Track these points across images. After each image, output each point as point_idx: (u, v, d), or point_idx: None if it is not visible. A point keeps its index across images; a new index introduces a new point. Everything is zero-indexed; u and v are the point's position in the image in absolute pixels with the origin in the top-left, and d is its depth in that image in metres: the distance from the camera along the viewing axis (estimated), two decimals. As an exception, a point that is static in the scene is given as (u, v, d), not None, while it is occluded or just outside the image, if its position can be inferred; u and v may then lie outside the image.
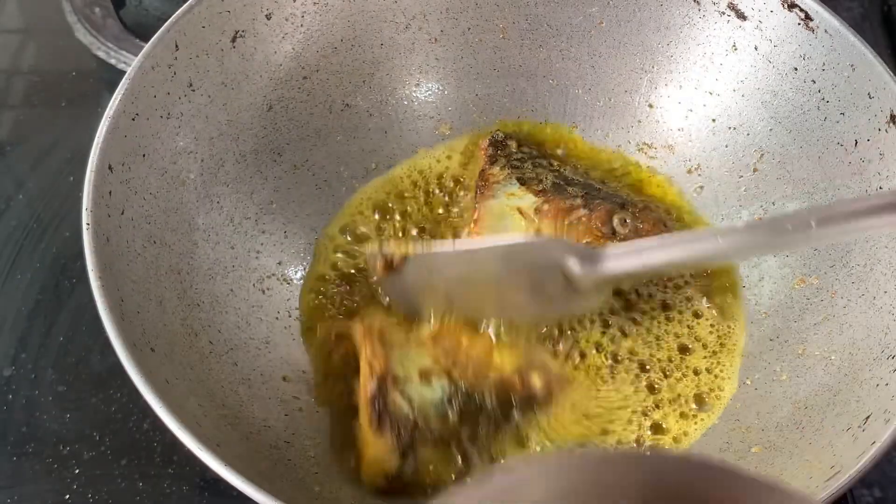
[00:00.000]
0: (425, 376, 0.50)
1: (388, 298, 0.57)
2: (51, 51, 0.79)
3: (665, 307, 0.58)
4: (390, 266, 0.53)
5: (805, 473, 0.45)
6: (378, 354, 0.50)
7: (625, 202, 0.59)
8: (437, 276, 0.53)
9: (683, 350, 0.56)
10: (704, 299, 0.58)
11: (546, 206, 0.57)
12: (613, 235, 0.56)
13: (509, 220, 0.58)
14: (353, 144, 0.63)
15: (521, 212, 0.57)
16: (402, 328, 0.53)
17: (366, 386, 0.49)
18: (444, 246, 0.55)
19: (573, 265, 0.50)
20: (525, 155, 0.62)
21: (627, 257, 0.50)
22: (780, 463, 0.48)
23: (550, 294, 0.52)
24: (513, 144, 0.62)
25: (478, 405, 0.50)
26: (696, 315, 0.57)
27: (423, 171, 0.64)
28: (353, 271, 0.59)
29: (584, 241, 0.56)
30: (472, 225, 0.59)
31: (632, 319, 0.57)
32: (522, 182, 0.59)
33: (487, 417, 0.50)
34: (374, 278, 0.56)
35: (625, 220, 0.57)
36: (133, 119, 0.51)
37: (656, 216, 0.59)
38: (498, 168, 0.60)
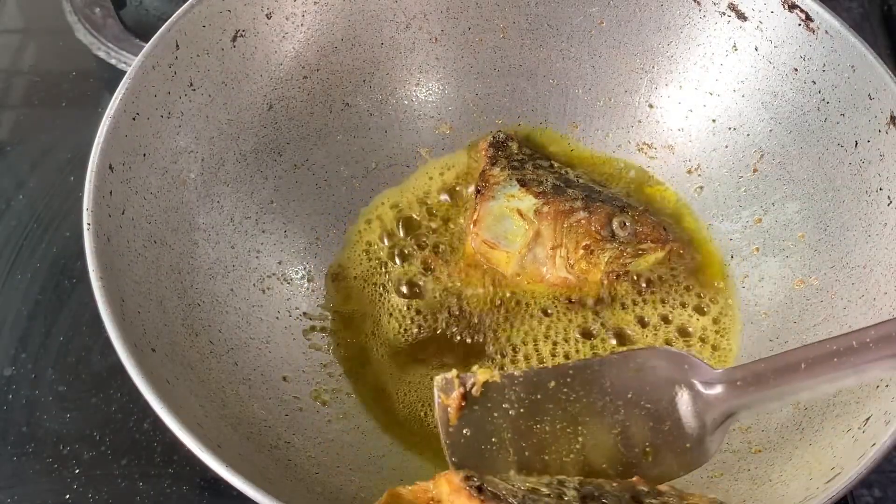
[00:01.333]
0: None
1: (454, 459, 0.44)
2: (51, 51, 0.79)
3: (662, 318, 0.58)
4: (466, 397, 0.43)
5: (805, 474, 0.45)
6: None
7: (625, 205, 0.59)
8: (525, 411, 0.43)
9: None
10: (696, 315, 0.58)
11: (546, 209, 0.57)
12: (613, 238, 0.56)
13: (509, 222, 0.58)
14: (353, 144, 0.63)
15: (520, 213, 0.57)
16: None
17: None
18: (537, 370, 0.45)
19: (698, 385, 0.41)
20: (525, 156, 0.62)
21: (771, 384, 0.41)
22: (781, 463, 0.48)
23: (655, 438, 0.43)
24: (514, 146, 0.62)
25: None
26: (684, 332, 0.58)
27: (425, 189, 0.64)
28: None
29: (584, 243, 0.56)
30: (471, 226, 0.59)
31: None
32: (523, 184, 0.59)
33: None
34: (444, 423, 0.44)
35: (624, 224, 0.57)
36: (133, 119, 0.51)
37: (656, 220, 0.59)
38: (498, 169, 0.60)
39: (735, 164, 0.61)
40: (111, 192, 0.49)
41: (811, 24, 0.55)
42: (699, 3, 0.59)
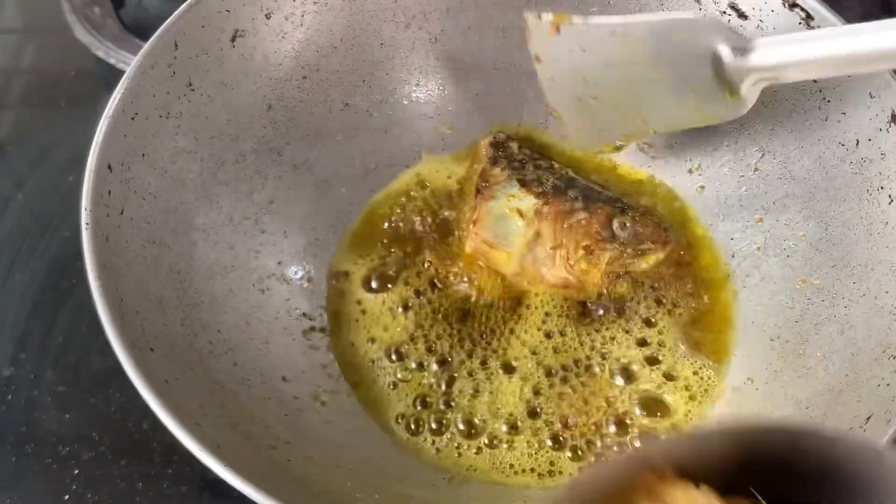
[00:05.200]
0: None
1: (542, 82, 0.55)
2: (50, 51, 0.79)
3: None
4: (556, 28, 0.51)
5: (806, 474, 0.45)
6: None
7: (625, 206, 0.59)
8: (587, 58, 0.51)
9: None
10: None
11: (546, 209, 0.57)
12: (613, 239, 0.56)
13: (509, 222, 0.58)
14: (353, 144, 0.63)
15: (520, 213, 0.57)
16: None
17: None
18: (600, 18, 0.52)
19: (725, 53, 0.48)
20: (526, 157, 0.62)
21: (780, 48, 0.47)
22: (782, 463, 0.48)
23: (693, 90, 0.50)
24: (514, 146, 0.62)
25: None
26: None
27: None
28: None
29: (584, 244, 0.56)
30: (471, 225, 0.58)
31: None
32: (523, 184, 0.59)
33: None
34: (532, 42, 0.54)
35: (625, 224, 0.56)
36: (132, 119, 0.51)
37: (656, 221, 0.59)
38: (499, 169, 0.60)
39: (736, 163, 0.61)
40: (110, 192, 0.49)
41: (811, 23, 0.55)
42: (699, 3, 0.59)
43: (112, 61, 0.72)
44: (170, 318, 0.50)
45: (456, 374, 0.55)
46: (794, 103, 0.57)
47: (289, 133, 0.61)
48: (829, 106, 0.55)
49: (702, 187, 0.62)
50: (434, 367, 0.56)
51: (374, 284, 0.59)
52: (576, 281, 0.57)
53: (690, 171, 0.63)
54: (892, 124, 0.52)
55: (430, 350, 0.56)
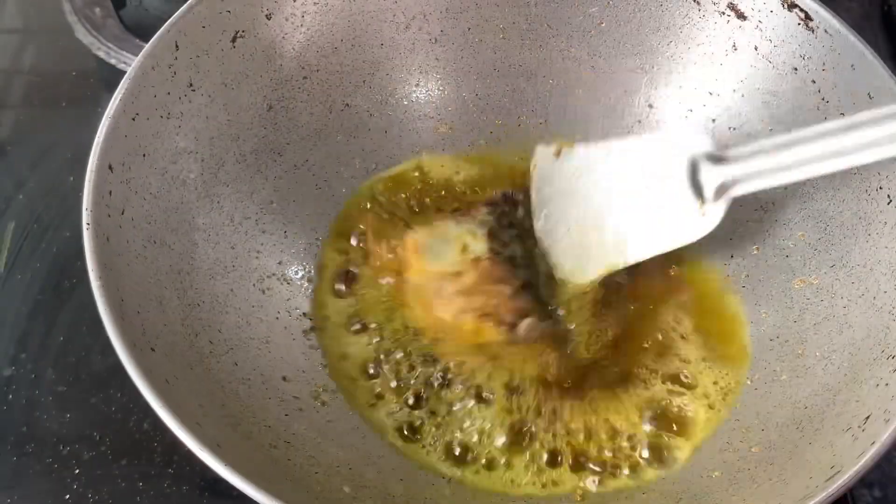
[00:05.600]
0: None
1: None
2: (51, 51, 0.79)
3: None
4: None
5: (805, 473, 0.45)
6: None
7: (551, 317, 0.55)
8: (582, 179, 0.54)
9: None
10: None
11: (485, 263, 0.54)
12: (512, 329, 0.53)
13: (448, 246, 0.55)
14: (353, 144, 0.63)
15: (464, 248, 0.55)
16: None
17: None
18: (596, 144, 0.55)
19: (702, 162, 0.49)
20: (517, 225, 0.58)
21: (756, 158, 0.48)
22: (780, 463, 0.48)
23: (671, 205, 0.51)
24: (520, 211, 0.59)
25: None
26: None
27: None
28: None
29: (486, 312, 0.53)
30: (413, 228, 0.58)
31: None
32: (490, 235, 0.56)
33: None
34: (535, 170, 0.57)
35: (532, 327, 0.53)
36: (133, 119, 0.51)
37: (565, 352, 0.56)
38: (486, 212, 0.58)
39: (735, 163, 0.61)
40: (111, 192, 0.49)
41: (811, 24, 0.55)
42: (699, 3, 0.60)
43: (113, 62, 0.72)
44: (170, 317, 0.50)
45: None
46: (793, 104, 0.57)
47: (289, 133, 0.61)
48: (827, 106, 0.56)
49: (701, 187, 0.62)
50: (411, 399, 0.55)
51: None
52: (450, 324, 0.54)
53: (690, 172, 0.63)
54: (891, 125, 0.52)
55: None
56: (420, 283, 0.55)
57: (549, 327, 0.54)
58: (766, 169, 0.48)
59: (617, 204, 0.54)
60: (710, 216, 0.50)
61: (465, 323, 0.53)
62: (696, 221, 0.51)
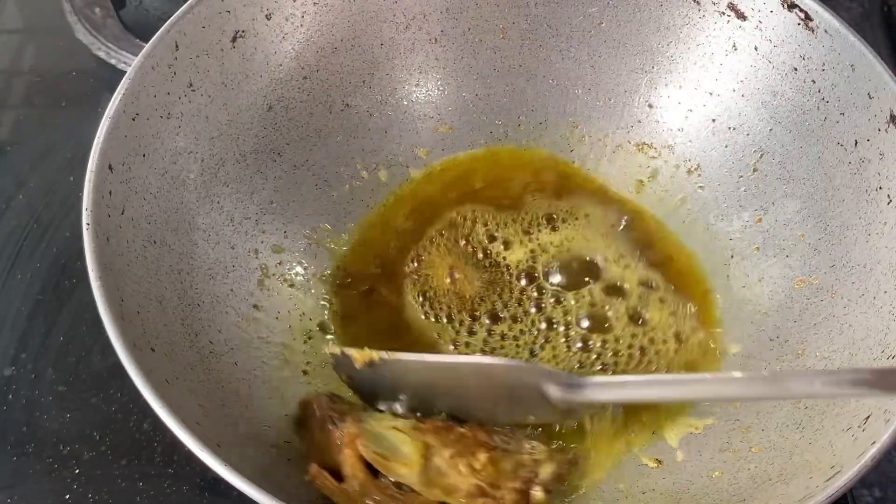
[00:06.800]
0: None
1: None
2: (51, 51, 0.79)
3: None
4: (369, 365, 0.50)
5: (805, 473, 0.45)
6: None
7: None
8: (406, 381, 0.51)
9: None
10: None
11: (423, 425, 0.50)
12: (506, 450, 0.50)
13: (392, 438, 0.49)
14: (353, 144, 0.63)
15: (398, 429, 0.50)
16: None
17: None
18: (414, 356, 0.51)
19: (553, 391, 0.49)
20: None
21: (610, 389, 0.50)
22: (780, 463, 0.48)
23: (525, 408, 0.51)
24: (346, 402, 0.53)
25: None
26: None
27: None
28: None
29: (482, 454, 0.49)
30: (352, 442, 0.48)
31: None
32: (380, 410, 0.53)
33: None
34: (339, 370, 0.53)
35: (506, 436, 0.51)
36: (133, 119, 0.51)
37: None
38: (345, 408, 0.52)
39: (735, 163, 0.61)
40: (111, 193, 0.49)
41: (810, 24, 0.55)
42: (698, 3, 0.60)
43: (113, 62, 0.72)
44: (170, 317, 0.50)
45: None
46: (793, 103, 0.57)
47: (289, 133, 0.61)
48: (827, 106, 0.56)
49: (701, 187, 0.62)
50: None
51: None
52: (490, 489, 0.49)
53: (689, 172, 0.63)
54: (891, 125, 0.52)
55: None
56: (421, 479, 0.49)
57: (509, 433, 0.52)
58: (619, 399, 0.51)
59: (452, 398, 0.51)
60: (574, 412, 0.52)
61: (500, 479, 0.49)
62: (554, 416, 0.52)
